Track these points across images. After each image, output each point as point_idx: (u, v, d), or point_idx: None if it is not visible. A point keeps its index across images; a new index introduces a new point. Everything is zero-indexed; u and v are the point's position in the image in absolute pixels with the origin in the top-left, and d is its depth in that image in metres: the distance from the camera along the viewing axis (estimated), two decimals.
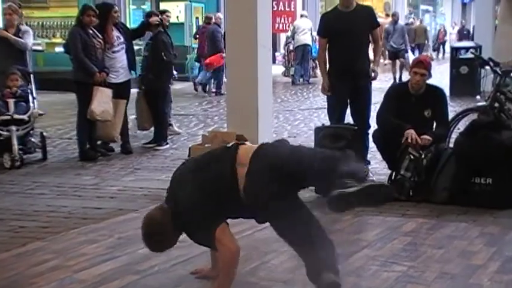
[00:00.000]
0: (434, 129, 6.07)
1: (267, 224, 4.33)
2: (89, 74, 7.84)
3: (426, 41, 25.87)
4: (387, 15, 19.65)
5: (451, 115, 8.67)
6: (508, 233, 4.87)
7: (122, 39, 8.35)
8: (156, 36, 8.82)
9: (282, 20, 20.99)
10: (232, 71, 7.69)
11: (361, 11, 6.76)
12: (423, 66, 6.04)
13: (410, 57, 17.81)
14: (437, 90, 6.22)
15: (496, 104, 6.46)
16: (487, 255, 4.36)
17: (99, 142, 8.48)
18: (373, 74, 6.73)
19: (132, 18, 18.49)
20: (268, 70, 7.92)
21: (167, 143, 8.94)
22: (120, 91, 8.24)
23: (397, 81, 16.10)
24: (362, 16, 6.66)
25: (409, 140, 5.82)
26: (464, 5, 40.37)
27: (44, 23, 17.67)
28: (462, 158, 5.72)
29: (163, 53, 8.74)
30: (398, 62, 17.68)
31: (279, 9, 22.24)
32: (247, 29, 7.42)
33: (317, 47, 11.60)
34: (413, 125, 5.89)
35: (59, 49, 15.61)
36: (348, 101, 6.73)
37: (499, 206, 5.49)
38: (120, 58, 8.30)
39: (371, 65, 6.78)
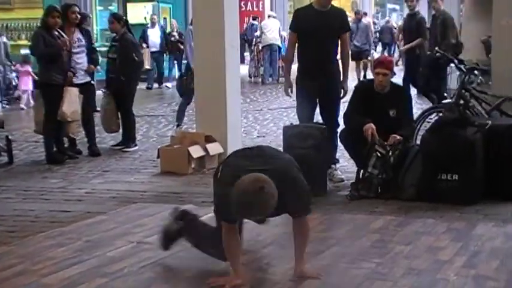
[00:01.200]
0: (401, 129, 6.10)
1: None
2: (54, 54, 7.76)
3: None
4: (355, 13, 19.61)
5: (418, 112, 8.78)
6: (473, 228, 4.94)
7: (83, 42, 8.30)
8: (122, 37, 8.75)
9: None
10: (201, 71, 7.68)
11: (335, 12, 6.74)
12: (384, 66, 6.11)
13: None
14: (402, 90, 6.28)
15: (461, 101, 6.54)
16: (454, 251, 4.41)
17: (66, 144, 8.42)
18: (342, 92, 6.67)
19: (98, 20, 18.32)
20: (237, 70, 7.93)
21: (136, 145, 8.89)
22: (81, 92, 8.18)
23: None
24: (335, 17, 6.64)
25: (366, 135, 5.87)
26: (429, 2, 40.73)
27: (9, 24, 17.42)
28: (428, 155, 5.78)
29: (134, 54, 8.68)
30: (362, 63, 17.11)
31: (247, 9, 22.28)
32: (214, 29, 7.42)
33: (286, 46, 11.60)
34: (379, 124, 5.95)
35: (25, 51, 15.43)
36: (317, 100, 6.74)
37: (465, 202, 5.55)
38: (80, 60, 8.24)
39: (341, 78, 6.74)
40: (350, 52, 7.00)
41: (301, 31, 6.66)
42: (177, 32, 17.94)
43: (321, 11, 6.60)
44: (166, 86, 17.66)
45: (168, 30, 18.70)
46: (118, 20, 8.89)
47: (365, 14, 21.78)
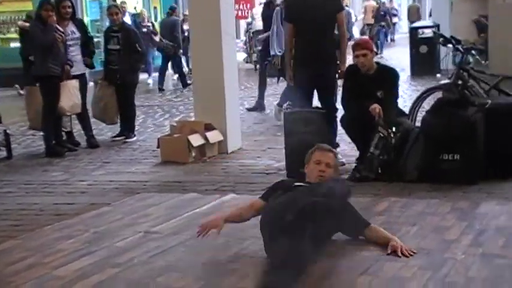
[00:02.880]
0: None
1: None
2: (52, 44, 7.74)
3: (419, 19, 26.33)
4: None
5: (413, 94, 8.80)
6: (477, 207, 4.97)
7: (77, 35, 8.27)
8: (124, 27, 8.72)
9: (241, 7, 20.93)
10: (198, 59, 7.68)
11: None
12: (361, 46, 6.13)
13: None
14: (389, 71, 6.30)
15: (460, 82, 6.56)
16: (460, 230, 4.44)
17: (64, 137, 8.41)
18: (340, 74, 6.68)
19: (89, 11, 18.22)
20: (233, 57, 7.93)
21: (135, 135, 8.89)
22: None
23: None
24: (326, 0, 6.66)
25: (374, 114, 5.90)
26: None
27: None
28: (430, 135, 5.81)
29: (137, 44, 8.66)
30: None
31: None
32: (210, 17, 7.41)
33: None
34: (367, 106, 5.98)
35: (14, 44, 15.34)
36: (314, 86, 6.75)
37: (467, 181, 5.59)
38: (73, 53, 8.21)
39: (338, 62, 6.74)
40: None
41: (295, 20, 6.65)
42: (148, 22, 16.39)
43: None
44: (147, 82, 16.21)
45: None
46: (120, 10, 8.89)
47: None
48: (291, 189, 4.25)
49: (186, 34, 15.22)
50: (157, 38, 15.72)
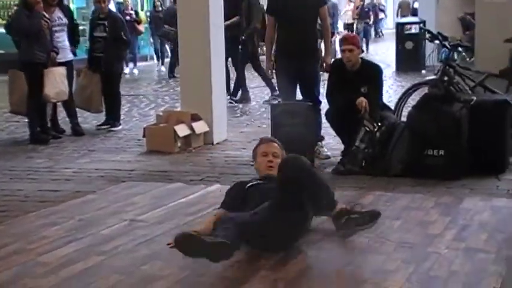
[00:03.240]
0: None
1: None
2: (36, 30, 7.68)
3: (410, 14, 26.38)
4: None
5: (398, 90, 8.86)
6: (461, 203, 5.02)
7: (64, 21, 8.22)
8: (110, 15, 8.68)
9: None
10: (185, 50, 7.66)
11: None
12: (348, 42, 6.17)
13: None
14: (373, 67, 6.34)
15: (446, 78, 6.60)
16: (443, 225, 4.48)
17: (49, 124, 8.37)
18: (324, 67, 6.66)
19: None
20: (221, 49, 7.92)
21: (120, 124, 8.86)
22: None
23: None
24: None
25: (361, 107, 5.94)
26: None
27: None
28: (415, 131, 5.86)
29: (122, 33, 8.63)
30: None
31: None
32: (199, 8, 7.40)
33: None
34: (352, 101, 6.03)
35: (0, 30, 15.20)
36: (297, 78, 6.74)
37: (451, 177, 5.64)
38: (60, 39, 8.16)
39: (322, 55, 6.74)
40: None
41: (277, 13, 6.66)
42: (131, 10, 16.04)
43: None
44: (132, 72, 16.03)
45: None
46: None
47: None
48: (245, 192, 4.22)
49: None
50: (141, 27, 15.65)
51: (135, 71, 15.93)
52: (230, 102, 10.45)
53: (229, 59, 10.62)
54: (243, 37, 10.29)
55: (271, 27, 6.79)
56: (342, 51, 6.17)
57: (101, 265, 3.89)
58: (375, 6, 25.90)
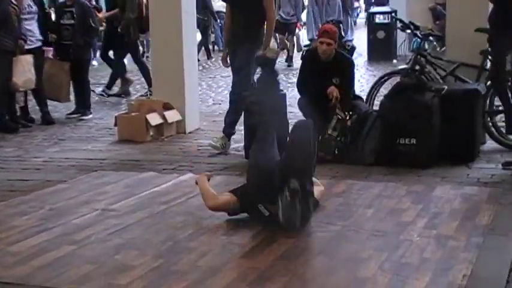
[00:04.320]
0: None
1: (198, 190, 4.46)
2: (4, 17, 7.54)
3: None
4: None
5: (370, 79, 8.89)
6: (432, 191, 5.07)
7: (34, 8, 8.11)
8: (77, 2, 8.57)
9: None
10: (157, 38, 7.60)
11: None
12: (328, 35, 6.16)
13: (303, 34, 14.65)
14: (345, 59, 6.36)
15: (417, 67, 6.63)
16: (415, 213, 4.53)
17: (18, 113, 8.26)
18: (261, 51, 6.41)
19: None
20: (193, 37, 7.88)
21: (91, 113, 8.77)
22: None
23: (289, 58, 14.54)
24: None
25: (331, 96, 5.96)
26: None
27: None
28: (387, 119, 5.89)
29: (91, 20, 8.52)
30: (285, 40, 14.80)
31: None
32: None
33: None
34: (324, 91, 6.06)
35: None
36: None
37: (423, 165, 5.68)
38: (30, 27, 8.04)
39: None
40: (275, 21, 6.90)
41: (228, 1, 6.68)
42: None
43: None
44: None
45: None
46: None
47: None
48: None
49: None
50: (101, 16, 15.08)
51: (95, 62, 15.18)
52: (101, 95, 10.28)
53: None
54: (119, 29, 9.85)
55: (227, 16, 6.77)
56: (320, 42, 6.15)
57: (72, 255, 3.86)
58: None
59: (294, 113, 7.12)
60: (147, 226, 4.34)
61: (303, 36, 14.83)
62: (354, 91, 6.58)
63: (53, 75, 8.56)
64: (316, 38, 7.72)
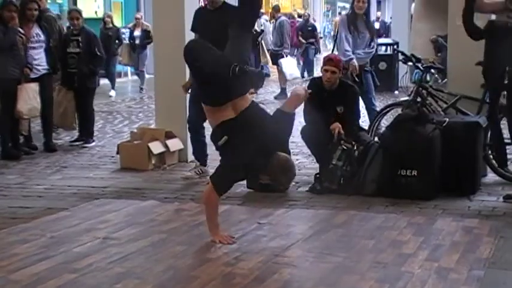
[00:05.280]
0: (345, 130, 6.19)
1: (203, 218, 4.46)
2: (11, 46, 7.62)
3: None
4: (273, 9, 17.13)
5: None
6: (433, 223, 5.07)
7: (42, 37, 8.18)
8: (83, 31, 8.65)
9: None
10: (161, 67, 7.65)
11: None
12: (333, 63, 6.21)
13: (286, 63, 14.27)
14: (350, 88, 6.40)
15: (419, 99, 6.68)
16: (416, 244, 4.53)
17: (22, 141, 8.29)
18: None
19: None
20: None
21: (93, 140, 8.81)
22: (40, 85, 8.05)
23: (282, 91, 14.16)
24: None
25: (334, 133, 6.00)
26: (379, 2, 41.46)
27: None
28: (389, 151, 5.91)
29: (97, 48, 8.60)
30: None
31: (200, 2, 22.09)
32: (174, 22, 7.40)
33: None
34: (328, 120, 6.10)
35: None
36: None
37: (424, 197, 5.69)
38: (37, 56, 8.10)
39: None
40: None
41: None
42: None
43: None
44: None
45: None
46: (81, 15, 8.82)
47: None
48: None
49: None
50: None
51: (112, 93, 14.78)
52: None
53: None
54: None
55: None
56: (325, 70, 6.20)
57: (73, 283, 3.86)
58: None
59: (296, 143, 7.17)
60: (148, 255, 4.34)
61: (286, 65, 14.29)
62: (359, 122, 6.61)
63: (58, 103, 8.62)
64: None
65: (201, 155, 6.80)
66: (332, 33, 24.62)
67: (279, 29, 14.62)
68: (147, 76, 15.66)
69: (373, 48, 7.63)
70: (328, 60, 6.28)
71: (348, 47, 7.45)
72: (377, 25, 25.56)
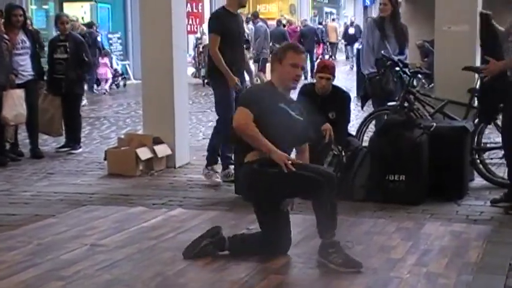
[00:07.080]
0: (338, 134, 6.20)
1: (192, 225, 4.43)
2: None
3: (337, 40, 26.76)
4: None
5: (359, 115, 8.96)
6: (422, 228, 5.08)
7: (28, 44, 8.14)
8: (70, 37, 8.62)
9: (190, 22, 20.94)
10: (148, 72, 7.63)
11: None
12: (328, 71, 6.20)
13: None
14: (342, 93, 6.41)
15: (406, 104, 6.70)
16: (405, 249, 4.53)
17: (7, 147, 8.23)
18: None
19: (34, 19, 17.88)
20: (184, 72, 7.93)
21: (80, 147, 8.76)
22: (26, 91, 8.00)
23: None
24: None
25: (324, 134, 5.99)
26: (365, 7, 41.62)
27: None
28: (377, 156, 5.92)
29: (84, 54, 8.57)
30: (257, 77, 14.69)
31: (187, 10, 22.11)
32: (162, 30, 7.40)
33: None
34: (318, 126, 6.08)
35: None
36: None
37: (412, 202, 5.71)
38: (22, 62, 8.07)
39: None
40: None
41: None
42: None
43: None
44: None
45: None
46: (68, 20, 8.79)
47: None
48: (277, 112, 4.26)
49: None
50: None
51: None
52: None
53: None
54: None
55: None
56: (320, 77, 6.19)
57: None
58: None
59: None
60: (136, 262, 4.32)
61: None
62: (347, 128, 6.61)
63: (45, 110, 8.55)
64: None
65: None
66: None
67: (263, 33, 14.95)
68: (134, 82, 15.67)
69: (403, 55, 7.31)
70: (323, 67, 6.24)
71: (371, 58, 7.23)
72: (352, 30, 25.83)
